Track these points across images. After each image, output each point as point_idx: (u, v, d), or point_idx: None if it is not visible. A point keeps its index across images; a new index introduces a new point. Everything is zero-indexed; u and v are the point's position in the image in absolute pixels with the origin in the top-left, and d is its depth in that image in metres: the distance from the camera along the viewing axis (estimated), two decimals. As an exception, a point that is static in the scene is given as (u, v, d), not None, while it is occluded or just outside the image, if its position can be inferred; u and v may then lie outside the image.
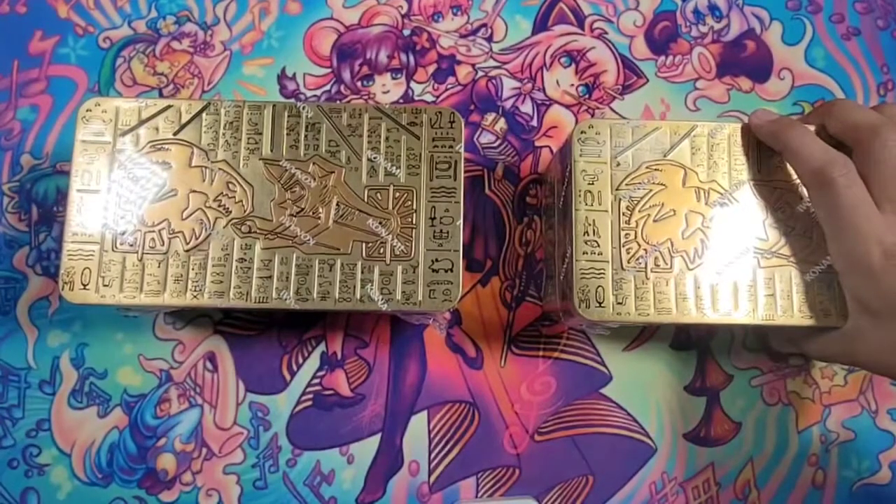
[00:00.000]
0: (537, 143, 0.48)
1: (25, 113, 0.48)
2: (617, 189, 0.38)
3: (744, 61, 0.49)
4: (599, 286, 0.37)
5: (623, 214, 0.38)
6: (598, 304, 0.37)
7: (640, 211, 0.38)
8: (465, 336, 0.46)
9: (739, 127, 0.40)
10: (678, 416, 0.45)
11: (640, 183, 0.39)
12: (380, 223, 0.38)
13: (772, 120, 0.38)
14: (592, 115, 0.48)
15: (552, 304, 0.43)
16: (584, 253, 0.38)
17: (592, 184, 0.38)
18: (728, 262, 0.38)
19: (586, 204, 0.38)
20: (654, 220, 0.38)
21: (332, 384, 0.45)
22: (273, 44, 0.49)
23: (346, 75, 0.49)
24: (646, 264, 0.38)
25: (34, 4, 0.49)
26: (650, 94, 0.49)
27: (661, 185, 0.39)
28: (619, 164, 0.39)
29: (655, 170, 0.39)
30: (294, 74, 0.48)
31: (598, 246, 0.38)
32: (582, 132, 0.39)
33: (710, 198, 0.39)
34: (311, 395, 0.45)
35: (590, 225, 0.38)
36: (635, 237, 0.38)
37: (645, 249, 0.38)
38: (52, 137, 0.47)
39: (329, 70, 0.49)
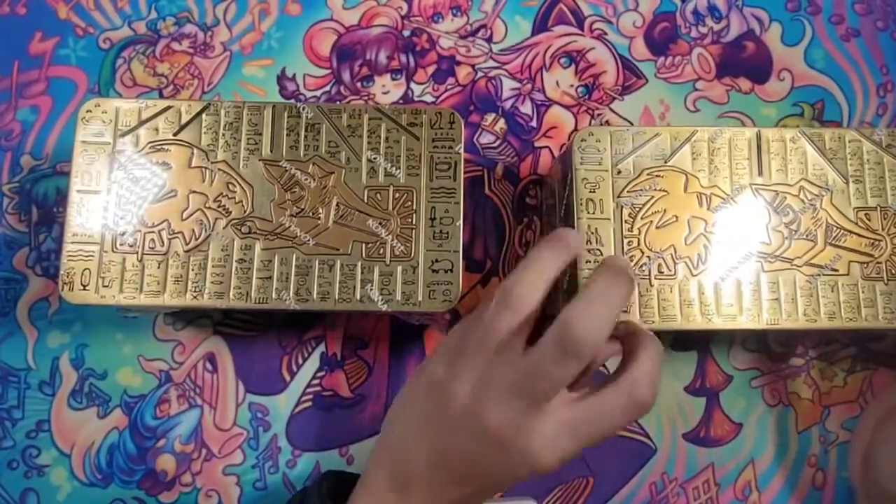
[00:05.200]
0: (537, 144, 0.48)
1: (26, 114, 0.47)
2: (619, 196, 0.38)
3: (743, 62, 0.49)
4: None
5: (625, 222, 0.38)
6: None
7: (642, 218, 0.38)
8: (464, 337, 0.46)
9: (740, 131, 0.39)
10: (678, 416, 0.45)
11: (641, 190, 0.38)
12: (379, 224, 0.38)
13: None
14: (592, 116, 0.48)
15: (556, 306, 0.43)
16: (587, 262, 0.38)
17: (594, 192, 0.38)
18: (731, 267, 0.38)
19: (588, 212, 0.38)
20: (657, 227, 0.38)
21: (332, 385, 0.45)
22: (273, 45, 0.49)
23: (346, 76, 0.49)
24: (649, 271, 0.38)
25: (34, 5, 0.49)
26: (650, 95, 0.49)
27: (663, 191, 0.39)
28: (620, 172, 0.39)
29: (657, 176, 0.39)
30: (294, 75, 0.48)
31: (601, 254, 0.38)
32: (582, 140, 0.39)
33: (712, 203, 0.39)
34: (310, 396, 0.45)
35: (592, 233, 0.38)
36: (638, 244, 0.38)
37: (648, 256, 0.38)
38: (52, 138, 0.47)
39: (329, 71, 0.49)
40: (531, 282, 0.31)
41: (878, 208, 0.38)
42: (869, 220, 0.38)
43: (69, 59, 0.48)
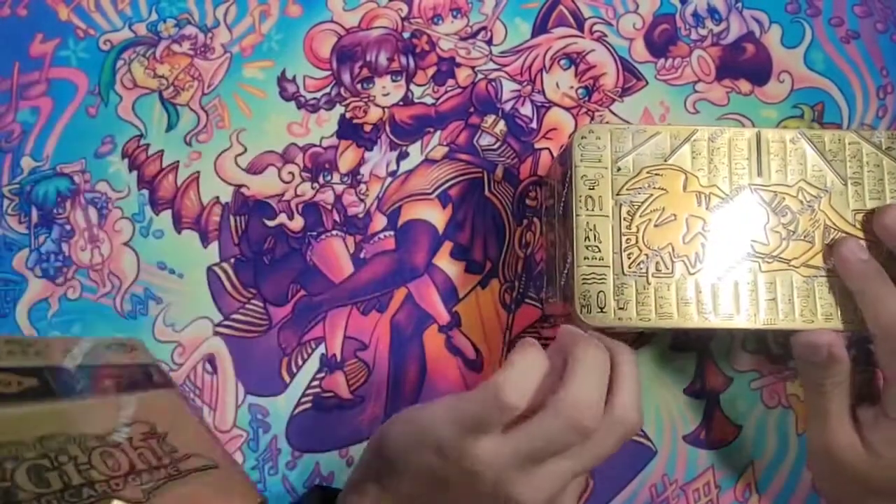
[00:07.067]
0: (537, 146, 0.48)
1: (26, 115, 0.48)
2: (617, 194, 0.38)
3: (743, 64, 0.49)
4: (601, 291, 0.37)
5: (624, 219, 0.38)
6: (599, 310, 0.37)
7: (640, 216, 0.38)
8: (464, 338, 0.46)
9: (740, 131, 0.40)
10: (678, 418, 0.45)
11: (640, 188, 0.38)
12: None
13: (863, 260, 0.37)
14: (592, 118, 0.48)
15: (554, 307, 0.43)
16: (585, 258, 0.38)
17: (593, 189, 0.38)
18: (729, 267, 0.38)
19: (587, 209, 0.38)
20: (655, 225, 0.38)
21: (332, 386, 0.45)
22: (273, 46, 0.49)
23: (346, 78, 0.49)
24: (647, 269, 0.38)
25: (35, 7, 0.49)
26: (650, 97, 0.49)
27: (662, 189, 0.39)
28: (619, 169, 0.39)
29: (656, 174, 0.39)
30: (294, 77, 0.49)
31: (599, 251, 0.38)
32: (582, 137, 0.39)
33: (710, 202, 0.39)
34: (310, 397, 0.45)
35: (591, 230, 0.38)
36: (636, 242, 0.38)
37: (646, 254, 0.38)
38: (53, 140, 0.47)
39: (329, 73, 0.49)
40: (524, 387, 0.32)
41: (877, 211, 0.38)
42: (867, 222, 0.38)
43: (69, 60, 0.49)
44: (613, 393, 0.33)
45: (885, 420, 0.37)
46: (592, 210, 0.38)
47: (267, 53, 0.49)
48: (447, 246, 0.47)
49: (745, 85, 0.49)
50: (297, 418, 0.45)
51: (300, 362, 0.45)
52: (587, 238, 0.38)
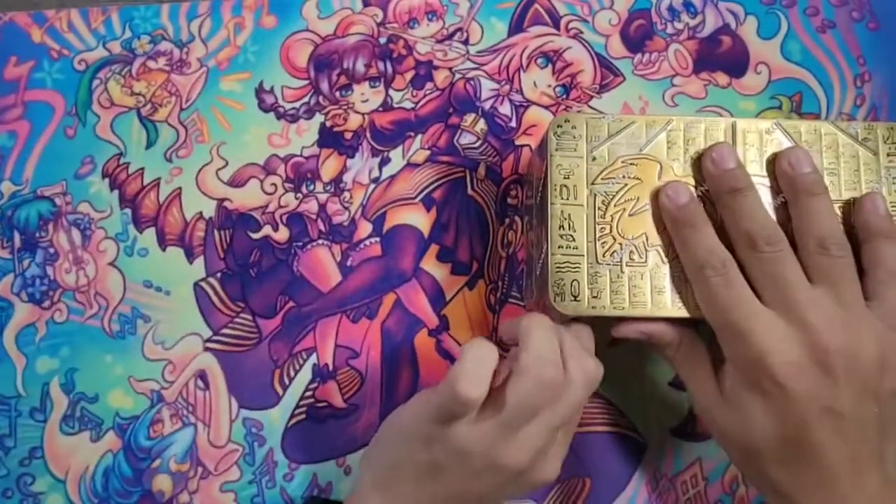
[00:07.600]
0: (517, 142, 0.48)
1: (3, 140, 0.47)
2: (592, 183, 0.38)
3: (720, 57, 0.49)
4: (574, 280, 0.38)
5: (598, 209, 0.38)
6: (573, 298, 0.37)
7: (615, 205, 0.38)
8: (453, 341, 0.46)
9: (715, 121, 0.39)
10: (664, 411, 0.45)
11: (615, 177, 0.39)
12: None
13: (680, 206, 0.37)
14: (571, 115, 0.48)
15: (532, 302, 0.43)
16: (559, 247, 0.38)
17: (568, 178, 0.38)
18: None
19: (562, 198, 0.38)
20: (630, 215, 0.38)
21: (325, 396, 0.45)
22: (249, 58, 0.49)
23: (325, 86, 0.48)
24: (621, 258, 0.38)
25: (7, 30, 0.49)
26: (628, 92, 0.49)
27: (637, 179, 0.39)
28: (594, 159, 0.39)
29: (631, 164, 0.39)
30: (272, 88, 0.48)
31: (574, 240, 0.38)
32: (558, 126, 0.39)
33: None
34: (304, 408, 0.45)
35: (565, 219, 0.38)
36: (610, 231, 0.38)
37: (620, 243, 0.38)
38: (32, 163, 0.47)
39: (307, 82, 0.49)
40: (478, 378, 0.33)
41: (852, 201, 0.38)
42: (843, 213, 0.38)
43: (45, 82, 0.48)
44: (562, 352, 0.35)
45: (726, 366, 0.37)
46: (567, 199, 0.38)
47: (243, 65, 0.49)
48: (433, 249, 0.47)
49: (722, 77, 0.49)
50: (292, 430, 0.45)
51: (292, 374, 0.45)
52: (561, 227, 0.38)
